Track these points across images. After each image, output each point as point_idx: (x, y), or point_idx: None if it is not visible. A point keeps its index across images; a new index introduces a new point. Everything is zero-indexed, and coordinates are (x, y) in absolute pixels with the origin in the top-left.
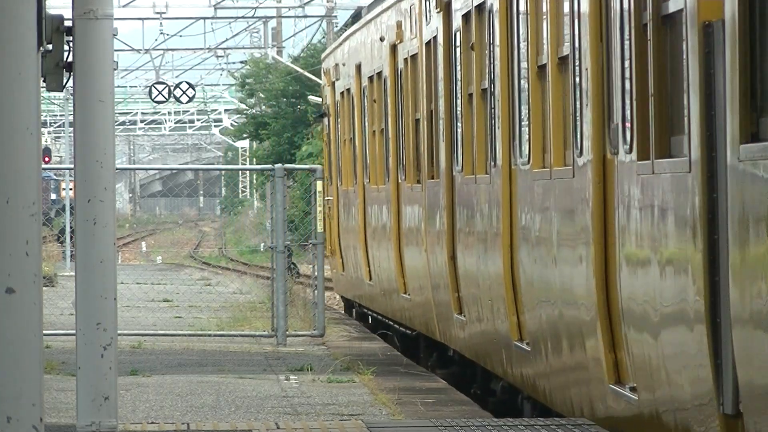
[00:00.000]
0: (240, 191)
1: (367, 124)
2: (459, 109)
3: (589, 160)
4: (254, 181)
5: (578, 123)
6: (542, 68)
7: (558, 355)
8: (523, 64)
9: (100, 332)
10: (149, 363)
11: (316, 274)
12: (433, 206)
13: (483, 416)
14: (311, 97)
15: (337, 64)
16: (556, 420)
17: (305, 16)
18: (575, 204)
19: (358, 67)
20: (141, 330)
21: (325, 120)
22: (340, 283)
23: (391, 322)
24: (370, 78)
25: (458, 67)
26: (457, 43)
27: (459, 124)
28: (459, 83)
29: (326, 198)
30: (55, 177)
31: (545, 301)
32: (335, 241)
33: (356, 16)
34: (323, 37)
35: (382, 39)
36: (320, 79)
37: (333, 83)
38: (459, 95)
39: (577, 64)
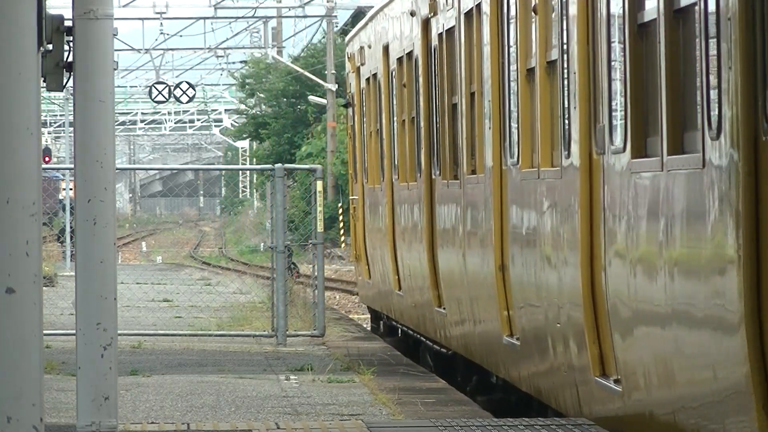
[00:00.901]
0: (240, 191)
1: (395, 112)
2: (513, 88)
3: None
4: (254, 181)
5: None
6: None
7: (665, 393)
8: (616, 23)
9: (100, 332)
10: (149, 363)
11: (316, 274)
12: (474, 206)
13: (483, 416)
14: (311, 97)
15: (362, 47)
16: (556, 420)
17: (305, 16)
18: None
19: (386, 48)
20: (141, 330)
21: (350, 111)
22: (366, 292)
23: (423, 339)
24: (399, 59)
25: (512, 38)
26: (511, 9)
27: (513, 107)
28: (513, 57)
29: (351, 197)
30: (62, 177)
31: (638, 326)
32: (360, 245)
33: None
34: (323, 37)
35: (412, 13)
36: (320, 79)
37: (357, 69)
38: (513, 72)
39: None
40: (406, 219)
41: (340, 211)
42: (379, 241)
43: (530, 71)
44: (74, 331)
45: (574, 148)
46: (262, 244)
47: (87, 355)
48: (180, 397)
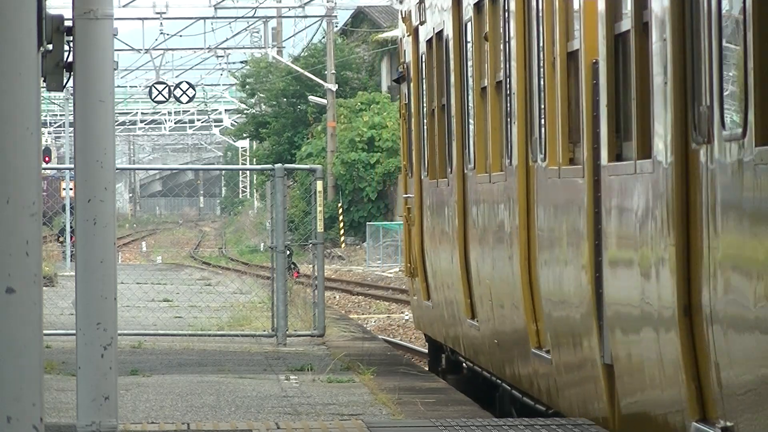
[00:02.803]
0: (240, 191)
1: (471, 78)
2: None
3: None
4: (254, 181)
5: None
6: None
7: None
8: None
9: (100, 332)
10: (149, 363)
11: (316, 274)
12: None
13: (483, 416)
14: (311, 98)
15: (421, 1)
16: (556, 420)
17: (305, 16)
18: None
19: None
20: (141, 330)
21: (403, 86)
22: (423, 317)
23: (509, 387)
24: (478, 5)
25: None
26: None
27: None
28: None
29: (404, 196)
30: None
31: None
32: (417, 256)
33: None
34: (323, 37)
35: None
36: (320, 79)
37: (415, 30)
38: None
39: None
40: (485, 223)
41: (340, 211)
42: (444, 251)
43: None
44: (74, 331)
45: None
46: (262, 244)
47: (87, 355)
48: (180, 397)
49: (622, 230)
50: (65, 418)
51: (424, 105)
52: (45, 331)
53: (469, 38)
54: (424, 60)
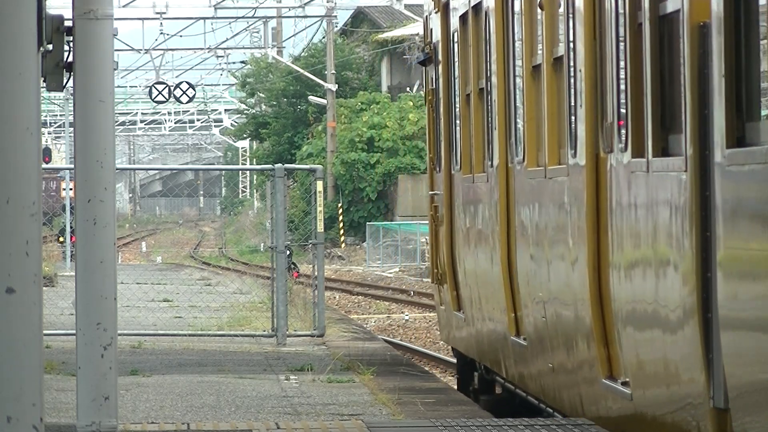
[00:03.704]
0: (240, 191)
1: (520, 56)
2: None
3: None
4: (254, 181)
5: None
6: None
7: None
8: None
9: (100, 332)
10: (149, 363)
11: (316, 274)
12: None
13: (483, 416)
14: (311, 98)
15: None
16: (556, 420)
17: (305, 16)
18: None
19: None
20: (141, 330)
21: (429, 69)
22: (451, 329)
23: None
24: None
25: None
26: None
27: None
28: None
29: (431, 192)
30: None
31: None
32: (446, 260)
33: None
34: (323, 37)
35: None
36: (320, 79)
37: (445, 4)
38: None
39: None
40: (539, 225)
41: (340, 211)
42: (481, 256)
43: None
44: (74, 331)
45: None
46: (262, 244)
47: (87, 355)
48: (180, 397)
49: (750, 237)
50: (65, 418)
51: (457, 89)
52: (45, 331)
53: (516, 9)
54: (456, 38)
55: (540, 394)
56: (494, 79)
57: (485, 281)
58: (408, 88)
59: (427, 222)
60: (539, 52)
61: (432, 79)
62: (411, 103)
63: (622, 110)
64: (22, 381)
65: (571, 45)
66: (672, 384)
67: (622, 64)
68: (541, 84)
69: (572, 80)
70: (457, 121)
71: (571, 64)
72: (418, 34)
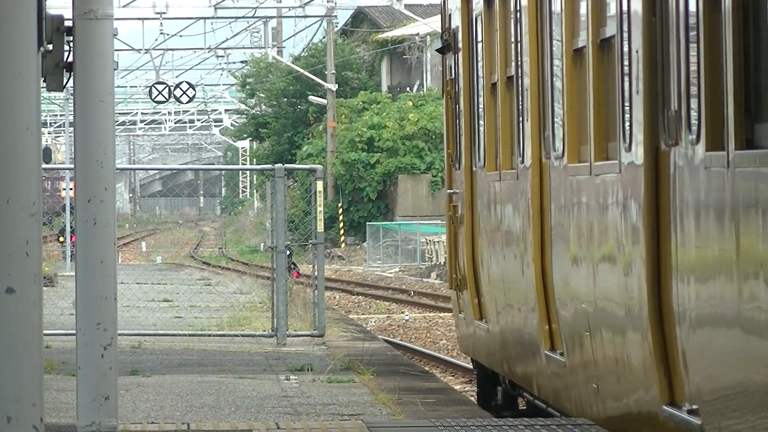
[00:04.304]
0: (240, 191)
1: (558, 38)
2: None
3: None
4: (254, 181)
5: None
6: None
7: None
8: None
9: (100, 332)
10: (149, 363)
11: (316, 274)
12: None
13: (483, 416)
14: (312, 98)
15: None
16: (556, 420)
17: (305, 16)
18: None
19: None
20: (141, 330)
21: (447, 58)
22: (472, 339)
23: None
24: None
25: None
26: None
27: None
28: None
29: (449, 191)
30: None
31: None
32: (467, 264)
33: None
34: (323, 37)
35: None
36: (320, 79)
37: None
38: None
39: None
40: (582, 228)
41: (340, 211)
42: (509, 261)
43: None
44: (74, 331)
45: None
46: (262, 244)
47: (87, 355)
48: (180, 397)
49: None
50: (65, 418)
51: (481, 78)
52: (45, 331)
53: None
54: (480, 23)
55: (580, 417)
56: (526, 65)
57: (513, 289)
58: (408, 88)
59: (426, 222)
60: (582, 33)
61: (451, 68)
62: (411, 103)
63: (692, 95)
64: (22, 381)
65: (626, 21)
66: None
67: (692, 42)
68: (586, 70)
69: (625, 63)
70: (481, 114)
71: (624, 45)
72: (417, 34)
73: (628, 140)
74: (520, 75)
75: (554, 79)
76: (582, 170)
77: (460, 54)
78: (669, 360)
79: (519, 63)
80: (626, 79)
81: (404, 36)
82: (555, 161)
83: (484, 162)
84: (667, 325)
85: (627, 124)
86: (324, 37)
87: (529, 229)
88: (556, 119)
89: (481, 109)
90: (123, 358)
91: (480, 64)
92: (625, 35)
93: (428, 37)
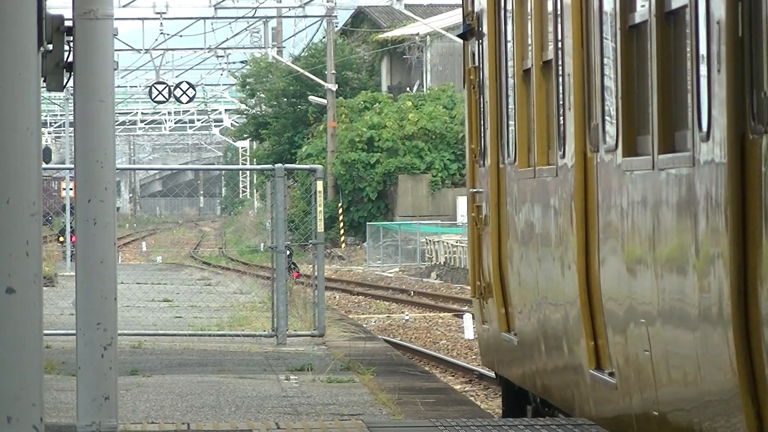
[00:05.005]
0: (240, 191)
1: (610, 13)
2: None
3: None
4: (254, 181)
5: None
6: None
7: None
8: None
9: (100, 332)
10: (149, 363)
11: (316, 274)
12: None
13: (483, 416)
14: (312, 98)
15: None
16: (556, 420)
17: (305, 16)
18: None
19: None
20: (141, 330)
21: (470, 44)
22: (497, 352)
23: None
24: None
25: None
26: None
27: None
28: None
29: (471, 190)
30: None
31: None
32: (493, 270)
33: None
34: (323, 37)
35: None
36: (320, 79)
37: None
38: None
39: None
40: (639, 230)
41: (340, 211)
42: (545, 268)
43: None
44: (74, 331)
45: None
46: (262, 244)
47: (87, 355)
48: (180, 397)
49: None
50: (65, 418)
51: (511, 65)
52: (45, 331)
53: None
54: (510, 3)
55: None
56: (568, 47)
57: (550, 298)
58: (408, 88)
59: (426, 222)
60: (641, 6)
61: (474, 55)
62: (410, 103)
63: None
64: (22, 381)
65: None
66: None
67: None
68: (644, 50)
69: (691, 40)
70: (511, 104)
71: (698, 15)
72: (417, 34)
73: (706, 129)
74: (560, 59)
75: (605, 61)
76: (643, 164)
77: (486, 39)
78: (757, 384)
79: (560, 46)
80: (704, 55)
81: (404, 36)
82: (606, 155)
83: (515, 157)
84: (755, 341)
85: (705, 110)
86: (324, 37)
87: (571, 231)
88: (607, 107)
89: (510, 99)
90: (123, 358)
91: (510, 48)
92: (697, 3)
93: (428, 37)
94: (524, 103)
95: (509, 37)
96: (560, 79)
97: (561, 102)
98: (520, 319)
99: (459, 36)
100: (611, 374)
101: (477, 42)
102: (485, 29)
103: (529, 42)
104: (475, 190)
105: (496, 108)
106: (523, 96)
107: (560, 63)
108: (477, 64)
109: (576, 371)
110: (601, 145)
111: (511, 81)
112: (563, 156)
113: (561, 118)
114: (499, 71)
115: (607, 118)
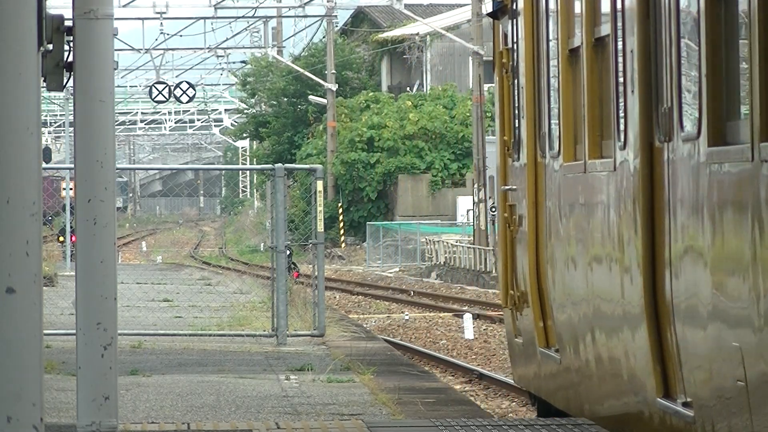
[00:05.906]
0: (240, 191)
1: None
2: None
3: None
4: (254, 181)
5: None
6: None
7: None
8: None
9: (100, 332)
10: (149, 363)
11: (316, 274)
12: None
13: (483, 416)
14: (312, 97)
15: None
16: (556, 420)
17: (305, 16)
18: None
19: None
20: (141, 330)
21: (504, 24)
22: (534, 370)
23: None
24: None
25: None
26: None
27: None
28: None
29: (503, 188)
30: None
31: None
32: (530, 278)
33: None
34: (323, 37)
35: None
36: (320, 78)
37: None
38: None
39: None
40: (727, 234)
41: (340, 210)
42: (598, 277)
43: None
44: (74, 331)
45: None
46: (262, 244)
47: (87, 355)
48: (180, 397)
49: None
50: (65, 418)
51: (553, 45)
52: (45, 331)
53: None
54: None
55: None
56: (626, 23)
57: (604, 312)
58: (408, 88)
59: (426, 222)
60: None
61: (506, 35)
62: (410, 103)
63: None
64: (22, 381)
65: None
66: None
67: None
68: (733, 23)
69: None
70: (553, 88)
71: None
72: (417, 34)
73: None
74: (619, 35)
75: (681, 30)
76: (734, 155)
77: (522, 16)
78: None
79: (617, 20)
80: None
81: (404, 36)
82: (682, 144)
83: (559, 150)
84: None
85: None
86: (324, 37)
87: (634, 236)
88: (685, 88)
89: (553, 83)
90: (123, 358)
91: (552, 26)
92: None
93: (428, 37)
94: (571, 88)
95: (551, 13)
96: (618, 59)
97: (619, 86)
98: (564, 333)
99: (489, 15)
100: (686, 405)
101: (510, 21)
102: (521, 5)
103: (578, 17)
104: (507, 187)
105: (534, 94)
106: (569, 79)
107: (617, 41)
108: (510, 45)
109: (639, 397)
110: (675, 133)
111: (553, 63)
112: (623, 147)
113: (621, 104)
114: (538, 52)
115: (687, 100)
